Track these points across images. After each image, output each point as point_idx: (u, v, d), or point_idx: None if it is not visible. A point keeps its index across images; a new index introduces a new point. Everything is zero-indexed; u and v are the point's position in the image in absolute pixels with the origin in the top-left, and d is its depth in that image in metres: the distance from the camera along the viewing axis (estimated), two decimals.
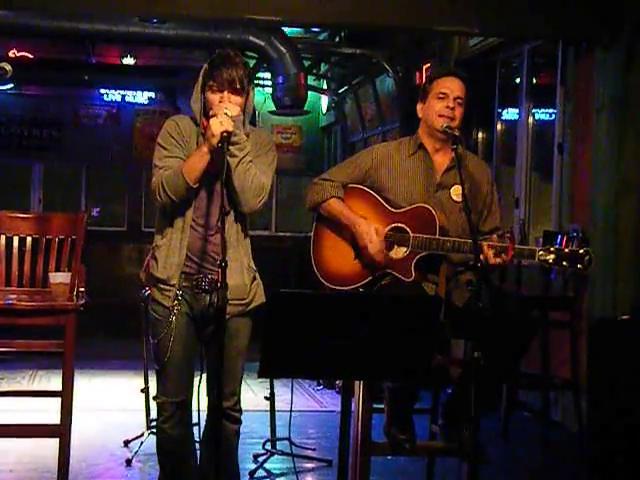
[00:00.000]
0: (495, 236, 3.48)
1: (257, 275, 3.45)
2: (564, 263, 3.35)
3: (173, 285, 3.32)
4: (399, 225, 3.56)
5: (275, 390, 5.02)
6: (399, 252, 3.55)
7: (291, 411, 4.51)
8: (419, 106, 3.67)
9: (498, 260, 3.38)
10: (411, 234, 3.52)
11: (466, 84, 3.62)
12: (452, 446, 3.59)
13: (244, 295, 3.36)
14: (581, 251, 3.34)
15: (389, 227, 3.56)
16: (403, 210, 3.58)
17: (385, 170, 3.64)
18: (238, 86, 3.26)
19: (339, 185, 3.66)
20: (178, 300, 3.32)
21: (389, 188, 3.62)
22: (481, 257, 3.30)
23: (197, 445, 3.52)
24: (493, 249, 3.39)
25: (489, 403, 3.48)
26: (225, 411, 3.35)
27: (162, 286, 3.34)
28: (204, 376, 3.35)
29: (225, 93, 3.25)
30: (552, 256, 3.36)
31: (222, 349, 3.05)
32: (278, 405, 5.04)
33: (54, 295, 4.02)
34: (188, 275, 3.33)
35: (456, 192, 3.59)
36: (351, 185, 3.67)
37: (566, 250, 3.35)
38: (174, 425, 3.37)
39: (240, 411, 3.43)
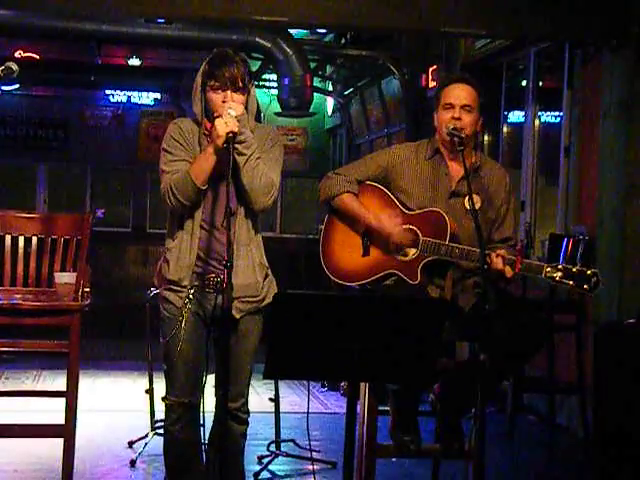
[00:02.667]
0: (503, 250, 3.44)
1: (269, 272, 3.44)
2: (570, 282, 3.31)
3: (185, 286, 3.31)
4: (410, 227, 3.55)
5: (279, 392, 5.01)
6: (407, 254, 3.55)
7: (308, 412, 4.51)
8: (434, 115, 3.66)
9: (506, 268, 3.36)
10: (421, 237, 3.51)
11: (476, 88, 3.59)
12: (457, 448, 3.58)
13: (257, 292, 3.35)
14: (589, 272, 3.29)
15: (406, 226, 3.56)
16: (416, 212, 3.57)
17: (401, 171, 3.63)
18: (240, 84, 3.25)
19: (354, 181, 3.66)
20: (189, 299, 3.31)
21: (403, 190, 3.62)
22: (488, 261, 3.29)
23: (204, 446, 3.51)
24: (501, 258, 3.37)
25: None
26: (232, 412, 3.34)
27: (174, 287, 3.33)
28: (212, 377, 3.34)
29: (228, 92, 3.25)
30: (559, 274, 3.32)
31: (228, 349, 3.04)
32: (282, 407, 5.03)
33: (59, 295, 4.02)
34: (199, 275, 3.33)
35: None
36: (367, 182, 3.67)
37: (574, 269, 3.31)
38: (182, 428, 3.35)
39: (247, 413, 3.42)
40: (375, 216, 3.57)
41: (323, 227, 3.73)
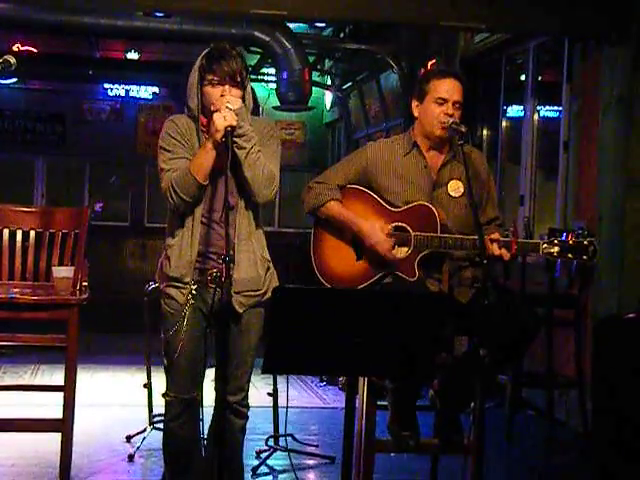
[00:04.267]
0: (496, 233, 3.44)
1: (271, 265, 3.43)
2: (569, 255, 3.34)
3: (187, 282, 3.30)
4: (399, 224, 3.53)
5: (278, 386, 5.01)
6: (401, 252, 3.53)
7: (287, 407, 4.50)
8: (414, 104, 3.62)
9: (503, 251, 3.36)
10: (412, 233, 3.50)
11: (464, 85, 3.58)
12: (456, 443, 3.58)
13: (259, 286, 3.34)
14: (585, 242, 3.33)
15: (391, 226, 3.54)
16: (403, 209, 3.55)
17: (380, 170, 3.61)
18: (238, 78, 3.25)
19: (336, 187, 3.64)
20: (192, 295, 3.30)
21: (386, 188, 3.60)
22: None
23: (203, 440, 3.49)
24: (496, 243, 3.37)
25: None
26: (232, 406, 3.33)
27: (176, 284, 3.31)
28: (211, 371, 3.33)
29: (226, 87, 3.23)
30: (556, 249, 3.35)
31: (228, 343, 3.03)
32: (281, 401, 5.02)
33: (57, 289, 4.01)
34: (201, 270, 3.32)
35: (453, 187, 3.57)
36: (349, 186, 3.65)
37: (570, 242, 3.34)
38: (182, 424, 3.34)
39: (247, 407, 3.41)
40: (360, 224, 3.55)
41: (312, 238, 3.69)
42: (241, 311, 3.30)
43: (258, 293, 3.34)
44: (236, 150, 3.17)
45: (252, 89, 3.42)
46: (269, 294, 3.34)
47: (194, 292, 3.30)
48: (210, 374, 3.33)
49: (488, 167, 3.73)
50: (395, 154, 3.62)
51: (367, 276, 3.58)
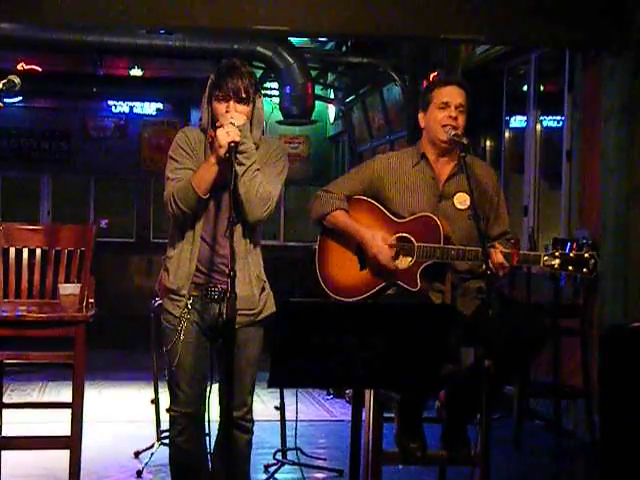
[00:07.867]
0: (500, 245, 3.45)
1: (267, 285, 3.44)
2: (569, 267, 3.35)
3: (183, 295, 3.33)
4: (403, 235, 3.55)
5: (285, 400, 5.01)
6: (404, 262, 3.54)
7: (297, 420, 4.50)
8: (420, 115, 3.67)
9: (504, 262, 3.37)
10: (415, 243, 3.51)
11: (467, 92, 3.62)
12: (463, 454, 3.58)
13: (253, 305, 3.36)
14: (586, 255, 3.34)
15: (394, 237, 3.56)
16: (407, 220, 3.57)
17: (388, 181, 3.64)
18: (243, 95, 3.28)
19: (342, 197, 3.67)
20: (188, 309, 3.34)
21: (392, 198, 3.62)
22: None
23: (209, 456, 3.50)
24: (498, 252, 3.38)
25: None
26: (236, 421, 3.34)
27: (173, 296, 3.36)
28: (215, 386, 3.34)
29: (231, 103, 3.27)
30: (557, 261, 3.36)
31: (231, 359, 3.05)
32: (288, 415, 5.03)
33: (63, 306, 4.02)
34: (198, 285, 3.35)
35: (459, 200, 3.59)
36: (356, 197, 3.67)
37: (571, 254, 3.35)
38: (187, 439, 3.36)
39: (251, 421, 3.42)
40: (363, 233, 3.57)
41: (317, 247, 3.72)
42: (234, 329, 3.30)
43: (252, 312, 3.36)
44: (236, 166, 3.20)
45: (262, 105, 3.43)
46: (264, 314, 3.38)
47: (189, 306, 3.33)
48: (216, 389, 3.34)
49: (498, 182, 3.75)
50: (403, 166, 3.65)
51: (369, 286, 3.59)
